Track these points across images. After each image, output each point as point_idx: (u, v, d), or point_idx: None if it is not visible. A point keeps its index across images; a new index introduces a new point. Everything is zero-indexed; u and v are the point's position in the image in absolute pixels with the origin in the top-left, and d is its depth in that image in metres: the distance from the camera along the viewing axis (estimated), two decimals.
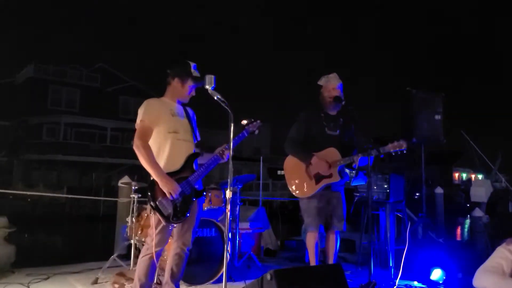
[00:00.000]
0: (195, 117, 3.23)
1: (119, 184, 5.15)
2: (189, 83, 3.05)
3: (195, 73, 3.07)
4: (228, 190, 2.62)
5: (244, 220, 5.28)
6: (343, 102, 3.73)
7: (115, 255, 4.22)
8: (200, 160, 3.08)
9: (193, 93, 3.13)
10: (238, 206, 4.67)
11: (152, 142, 2.93)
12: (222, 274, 3.72)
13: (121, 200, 5.19)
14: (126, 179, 4.96)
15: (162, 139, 2.94)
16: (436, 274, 4.02)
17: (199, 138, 3.20)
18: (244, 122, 3.05)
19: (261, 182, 6.91)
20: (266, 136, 36.42)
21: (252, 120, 3.11)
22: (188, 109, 3.20)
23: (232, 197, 2.73)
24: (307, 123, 3.81)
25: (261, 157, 7.72)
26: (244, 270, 4.48)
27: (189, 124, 3.12)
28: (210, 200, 4.25)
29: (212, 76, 2.84)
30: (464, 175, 38.81)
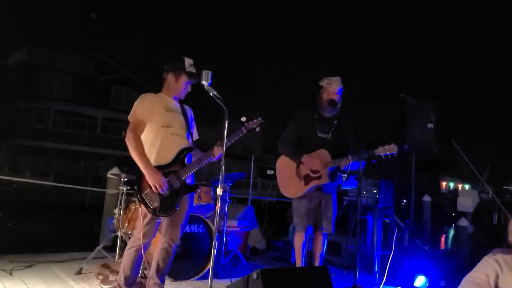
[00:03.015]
0: (192, 116, 3.22)
1: (108, 175, 5.11)
2: (184, 79, 3.05)
3: (190, 69, 3.06)
4: (220, 187, 2.61)
5: (232, 218, 5.28)
6: (339, 106, 3.73)
7: (100, 246, 4.18)
8: (193, 157, 3.07)
9: (189, 89, 3.12)
10: (227, 203, 4.66)
11: (145, 137, 2.94)
12: (207, 271, 3.73)
13: (110, 191, 5.15)
14: (115, 170, 4.92)
15: (154, 133, 2.94)
16: (420, 281, 4.05)
17: (197, 137, 3.20)
18: (244, 118, 3.00)
19: (251, 181, 6.89)
20: (257, 135, 36.42)
21: (253, 117, 3.03)
22: (186, 107, 3.19)
23: (221, 195, 2.72)
24: (300, 124, 3.81)
25: (253, 156, 7.70)
26: (229, 267, 4.48)
27: (184, 120, 3.10)
28: (199, 196, 4.22)
29: (209, 72, 2.80)
30: (452, 185, 39.23)
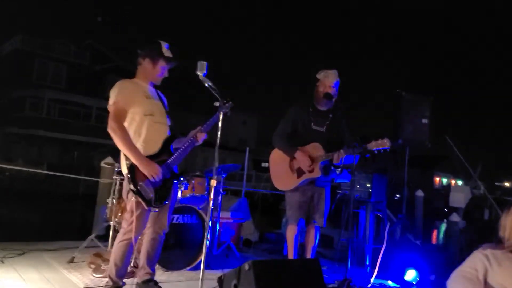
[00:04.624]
0: (166, 101, 3.15)
1: (102, 165, 5.09)
2: (161, 63, 2.96)
3: (168, 53, 2.97)
4: (213, 178, 2.61)
5: (225, 210, 5.29)
6: (334, 100, 3.73)
7: (93, 235, 4.18)
8: (175, 144, 3.02)
9: (166, 74, 3.03)
10: (220, 195, 4.67)
11: (128, 125, 2.84)
12: (200, 261, 3.72)
13: (103, 180, 5.13)
14: (109, 159, 4.91)
15: (138, 122, 2.86)
16: (410, 275, 4.09)
17: (170, 122, 3.11)
18: (216, 104, 2.96)
19: (245, 173, 6.90)
20: (253, 128, 36.47)
21: (224, 101, 3.01)
22: (159, 91, 3.11)
23: (215, 186, 2.72)
24: (295, 117, 3.81)
25: (247, 148, 7.70)
26: (222, 259, 4.50)
27: (162, 106, 3.05)
28: (193, 187, 4.23)
29: (204, 63, 2.80)
30: (445, 180, 39.49)
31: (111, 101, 2.83)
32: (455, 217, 6.21)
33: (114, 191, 4.15)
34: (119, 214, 4.01)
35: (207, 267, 3.79)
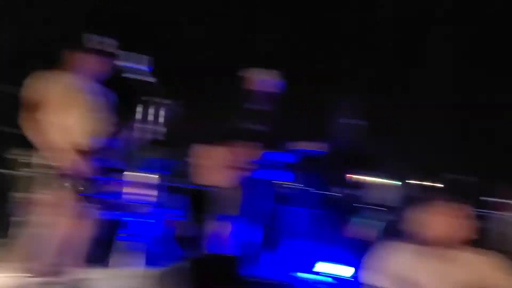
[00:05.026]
0: (108, 95, 3.09)
1: (12, 156, 4.73)
2: (93, 57, 2.93)
3: (101, 47, 2.96)
4: (147, 174, 2.58)
5: (161, 206, 5.18)
6: (272, 98, 3.80)
7: None
8: (111, 140, 3.02)
9: (102, 69, 2.99)
10: (158, 191, 4.56)
11: (47, 118, 2.78)
12: (127, 259, 3.61)
13: (12, 172, 4.76)
14: (20, 151, 4.56)
15: (61, 115, 2.81)
16: (322, 267, 4.25)
17: (111, 119, 3.08)
18: (161, 100, 3.00)
19: (185, 168, 6.77)
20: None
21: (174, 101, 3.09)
22: (99, 86, 3.05)
23: (150, 182, 2.69)
24: (229, 115, 3.84)
25: (183, 144, 7.55)
26: (151, 256, 4.38)
27: (97, 101, 2.99)
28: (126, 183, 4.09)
29: (143, 56, 2.77)
30: (373, 179, 41.84)
31: (27, 92, 2.80)
32: (377, 213, 6.53)
33: (26, 184, 3.85)
34: (31, 210, 3.73)
35: (135, 264, 3.71)
